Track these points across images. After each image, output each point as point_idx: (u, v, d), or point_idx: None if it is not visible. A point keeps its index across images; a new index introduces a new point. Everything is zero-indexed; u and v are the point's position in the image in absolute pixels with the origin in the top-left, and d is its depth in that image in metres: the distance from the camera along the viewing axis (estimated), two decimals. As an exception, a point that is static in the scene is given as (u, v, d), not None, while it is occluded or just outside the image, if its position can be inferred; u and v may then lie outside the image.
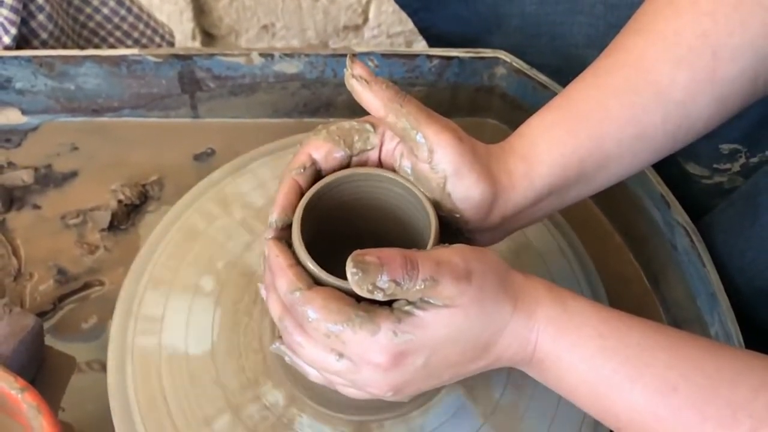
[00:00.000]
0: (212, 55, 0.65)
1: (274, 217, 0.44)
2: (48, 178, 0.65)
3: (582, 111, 0.46)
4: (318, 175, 0.46)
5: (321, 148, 0.46)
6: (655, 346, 0.40)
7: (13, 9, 0.66)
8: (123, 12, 0.77)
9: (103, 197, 0.64)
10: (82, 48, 0.76)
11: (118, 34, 0.78)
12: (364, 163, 0.47)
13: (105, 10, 0.77)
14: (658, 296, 0.62)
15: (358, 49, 0.66)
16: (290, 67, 0.66)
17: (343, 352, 0.40)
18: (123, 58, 0.65)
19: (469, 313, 0.40)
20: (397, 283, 0.38)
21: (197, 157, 0.68)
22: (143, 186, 0.65)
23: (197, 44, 1.34)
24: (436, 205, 0.45)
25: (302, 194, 0.45)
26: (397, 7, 0.77)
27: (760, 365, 0.40)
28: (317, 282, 0.42)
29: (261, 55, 0.66)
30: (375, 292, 0.38)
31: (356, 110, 0.47)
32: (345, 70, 0.43)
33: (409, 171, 0.45)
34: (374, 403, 0.47)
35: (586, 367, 0.41)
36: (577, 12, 0.66)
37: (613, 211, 0.66)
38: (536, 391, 0.51)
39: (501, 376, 0.51)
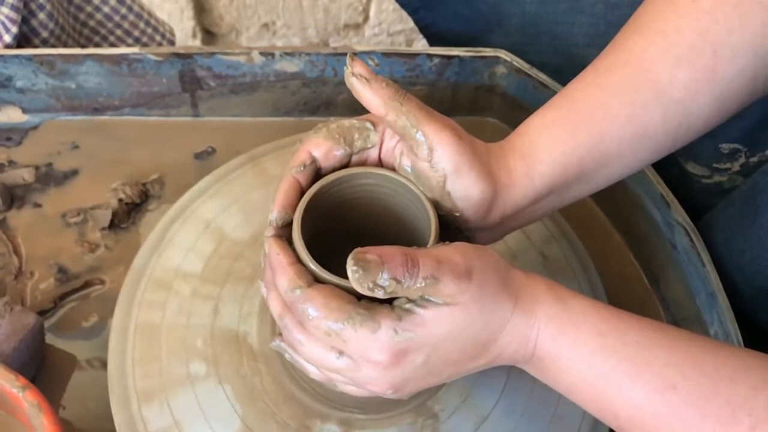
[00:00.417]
0: (213, 53, 0.65)
1: (275, 215, 0.45)
2: (49, 177, 0.65)
3: (582, 110, 0.46)
4: (318, 173, 0.46)
5: (321, 146, 0.46)
6: (655, 345, 0.40)
7: (14, 7, 0.66)
8: (124, 10, 0.77)
9: (104, 196, 0.64)
10: (82, 47, 0.76)
11: (118, 32, 0.78)
12: (363, 162, 0.47)
13: (106, 9, 0.77)
14: (658, 295, 0.62)
15: (359, 48, 0.66)
16: (291, 66, 0.66)
17: (344, 350, 0.41)
18: (124, 56, 0.65)
19: (470, 311, 0.40)
20: (398, 281, 0.38)
21: (198, 156, 0.68)
22: (144, 185, 0.65)
23: (198, 43, 1.34)
24: (436, 204, 0.45)
25: (302, 192, 0.45)
26: (397, 5, 0.77)
27: (759, 364, 0.40)
28: (317, 280, 0.42)
29: (261, 53, 0.66)
30: (375, 290, 0.38)
31: (357, 109, 0.47)
32: (345, 68, 0.43)
33: (408, 169, 0.45)
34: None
35: (585, 365, 0.41)
36: (578, 11, 0.66)
37: (612, 210, 0.66)
38: (535, 390, 0.51)
39: (501, 374, 0.52)
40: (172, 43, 0.84)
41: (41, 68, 0.65)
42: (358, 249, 0.39)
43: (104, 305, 0.58)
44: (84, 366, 0.56)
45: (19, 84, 0.66)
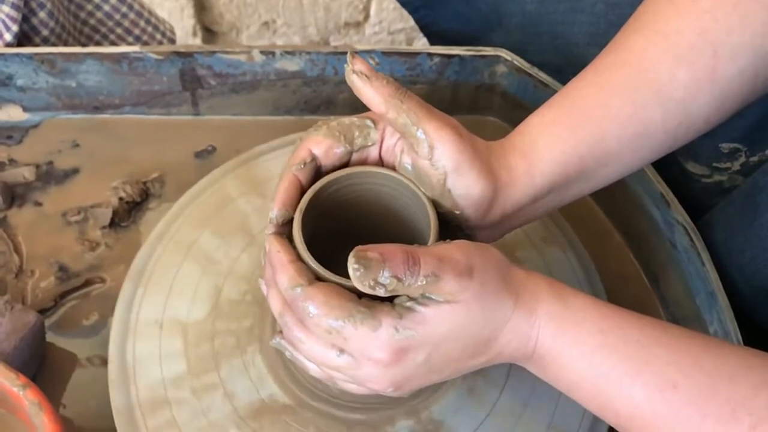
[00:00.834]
0: (213, 52, 0.65)
1: (275, 212, 0.44)
2: (49, 175, 0.66)
3: (582, 109, 0.46)
4: (318, 170, 0.46)
5: (321, 143, 0.46)
6: (655, 343, 0.40)
7: (14, 6, 0.66)
8: (124, 9, 0.77)
9: (104, 194, 0.64)
10: (83, 45, 0.76)
11: (119, 31, 0.78)
12: (364, 159, 0.47)
13: (106, 7, 0.77)
14: (658, 295, 0.62)
15: (359, 47, 0.66)
16: (291, 65, 0.66)
17: (344, 348, 0.41)
18: (124, 55, 0.65)
19: (471, 308, 0.40)
20: (399, 279, 0.38)
21: (198, 155, 0.68)
22: (144, 183, 0.65)
23: (198, 41, 1.34)
24: (436, 202, 0.45)
25: (302, 190, 0.45)
26: (398, 4, 0.77)
27: (759, 363, 0.40)
28: (318, 279, 0.42)
29: (262, 52, 0.66)
30: (376, 288, 0.38)
31: (357, 108, 0.47)
32: (345, 65, 0.43)
33: (409, 167, 0.45)
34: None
35: (586, 363, 0.41)
36: (578, 10, 0.66)
37: (612, 209, 0.66)
38: (536, 388, 0.51)
39: (501, 372, 0.52)
40: (172, 41, 0.84)
41: (42, 67, 0.65)
42: (359, 247, 0.39)
43: (105, 304, 0.58)
44: (84, 364, 0.56)
45: (19, 82, 0.66)
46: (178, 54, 0.65)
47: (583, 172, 0.46)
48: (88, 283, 0.60)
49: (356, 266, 0.38)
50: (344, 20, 1.35)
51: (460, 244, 0.41)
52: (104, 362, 0.54)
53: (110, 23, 0.77)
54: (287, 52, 0.66)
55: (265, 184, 0.60)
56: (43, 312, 0.57)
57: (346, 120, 0.46)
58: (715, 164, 0.64)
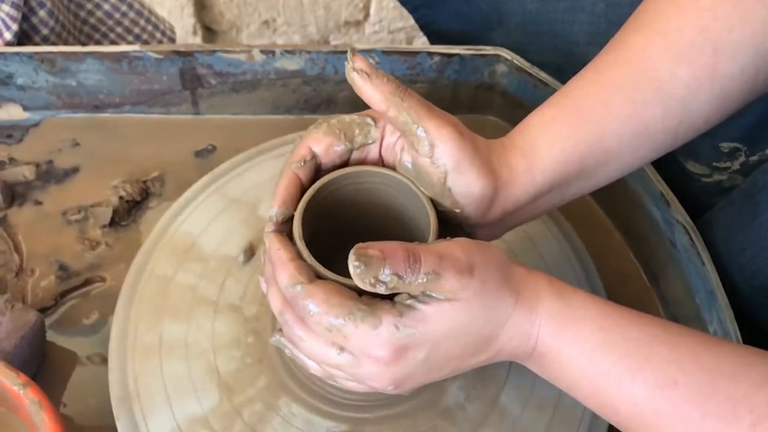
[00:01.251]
0: (213, 51, 0.65)
1: (275, 210, 0.44)
2: (49, 174, 0.66)
3: (582, 107, 0.46)
4: (318, 168, 0.46)
5: (321, 141, 0.46)
6: (656, 341, 0.40)
7: (14, 5, 0.66)
8: (124, 8, 0.77)
9: (105, 193, 0.64)
10: (83, 44, 0.76)
11: (119, 30, 0.78)
12: (364, 157, 0.47)
13: (106, 6, 0.77)
14: (658, 294, 0.62)
15: (359, 46, 0.66)
16: (291, 64, 0.66)
17: (344, 346, 0.41)
18: (124, 54, 0.65)
19: (471, 306, 0.40)
20: (400, 277, 0.38)
21: (198, 154, 0.68)
22: (144, 182, 0.65)
23: (198, 40, 1.34)
24: (437, 201, 0.45)
25: (302, 187, 0.45)
26: (398, 3, 0.77)
27: (760, 361, 0.40)
28: (318, 277, 0.42)
29: (262, 51, 0.66)
30: (377, 286, 0.38)
31: (357, 107, 0.47)
32: (346, 63, 0.43)
33: (409, 165, 0.45)
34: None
35: (586, 360, 0.41)
36: (578, 10, 0.66)
37: (612, 209, 0.66)
38: (536, 385, 0.51)
39: (502, 370, 0.52)
40: (172, 40, 0.84)
41: (42, 66, 0.65)
42: (360, 244, 0.39)
43: (105, 302, 0.58)
44: (84, 362, 0.56)
45: (19, 81, 0.66)
46: (178, 53, 0.65)
47: (583, 171, 0.46)
48: (88, 282, 0.60)
49: (357, 263, 0.38)
50: (344, 19, 1.35)
51: (461, 241, 0.41)
52: (104, 360, 0.54)
53: (110, 22, 0.77)
54: (287, 52, 0.66)
55: (264, 184, 0.60)
56: (43, 311, 0.57)
57: (347, 118, 0.46)
58: (715, 163, 0.64)
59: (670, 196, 0.59)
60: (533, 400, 0.51)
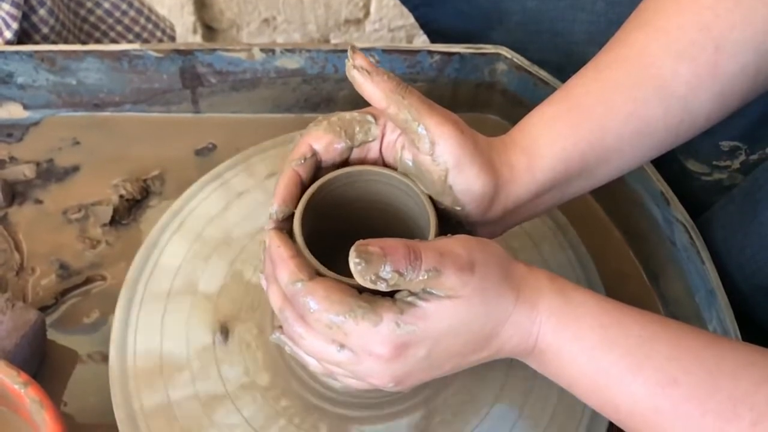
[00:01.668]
0: (213, 50, 0.65)
1: (275, 208, 0.44)
2: (50, 173, 0.66)
3: (583, 105, 0.46)
4: (318, 166, 0.46)
5: (322, 139, 0.45)
6: (656, 339, 0.40)
7: (14, 4, 0.66)
8: (124, 6, 0.77)
9: (105, 192, 0.64)
10: (83, 43, 0.76)
11: (119, 28, 0.78)
12: (365, 155, 0.47)
13: (106, 5, 0.77)
14: (657, 293, 0.62)
15: (359, 45, 0.66)
16: (291, 63, 0.66)
17: (345, 343, 0.41)
18: (124, 53, 0.65)
19: (472, 303, 0.40)
20: (400, 274, 0.38)
21: (198, 152, 0.68)
22: (144, 181, 0.65)
23: (198, 38, 1.34)
24: (438, 199, 0.45)
25: (302, 185, 0.45)
26: (398, 1, 0.77)
27: (760, 359, 0.40)
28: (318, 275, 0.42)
29: (262, 50, 0.66)
30: (378, 283, 0.38)
31: (357, 105, 0.47)
32: (346, 61, 0.43)
33: (410, 163, 0.45)
34: None
35: (587, 358, 0.41)
36: (578, 9, 0.66)
37: (612, 207, 0.66)
38: (537, 383, 0.51)
39: (502, 367, 0.52)
40: (172, 38, 0.84)
41: (42, 64, 0.65)
42: (361, 241, 0.39)
43: (105, 301, 0.58)
44: (85, 360, 0.56)
45: (20, 80, 0.66)
46: (179, 52, 0.65)
47: (584, 169, 0.46)
48: (88, 280, 0.60)
49: (357, 260, 0.38)
50: (344, 17, 1.34)
51: (462, 238, 0.41)
52: (105, 358, 0.54)
53: (110, 21, 0.77)
54: (287, 50, 0.66)
55: (264, 182, 0.61)
56: (43, 310, 0.58)
57: (347, 115, 0.46)
58: (715, 162, 0.64)
59: (670, 194, 0.59)
60: (533, 397, 0.51)
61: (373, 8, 1.34)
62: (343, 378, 0.44)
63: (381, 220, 0.49)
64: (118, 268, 0.60)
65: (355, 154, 0.46)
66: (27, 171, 0.65)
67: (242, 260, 0.57)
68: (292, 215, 0.44)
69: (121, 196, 0.63)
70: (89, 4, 0.76)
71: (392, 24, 1.37)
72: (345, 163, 0.47)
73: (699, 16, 0.46)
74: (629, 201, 0.63)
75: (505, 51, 0.67)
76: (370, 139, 0.46)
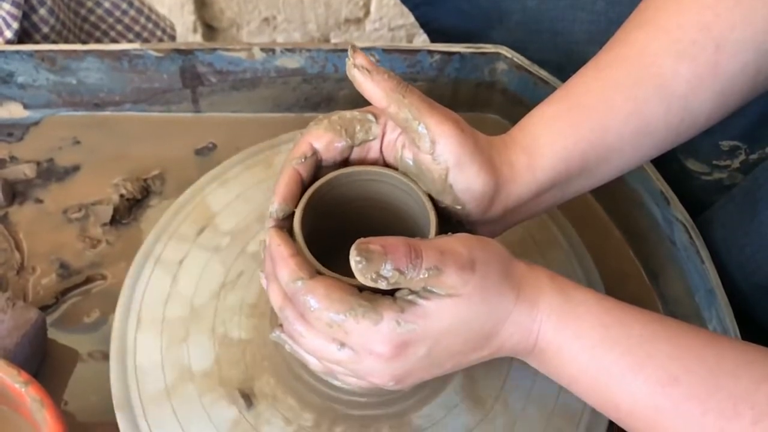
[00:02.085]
0: (214, 49, 0.65)
1: (275, 206, 0.44)
2: (50, 173, 0.66)
3: (584, 104, 0.46)
4: (319, 165, 0.46)
5: (322, 137, 0.45)
6: (657, 337, 0.40)
7: (14, 3, 0.66)
8: (124, 6, 0.77)
9: (105, 191, 0.64)
10: (83, 42, 0.76)
11: (119, 28, 0.78)
12: (365, 154, 0.47)
13: (106, 4, 0.77)
14: (657, 292, 0.62)
15: (360, 44, 0.66)
16: (291, 62, 0.66)
17: (345, 342, 0.41)
18: (125, 52, 0.65)
19: (473, 302, 0.40)
20: (401, 272, 0.38)
21: (199, 152, 0.68)
22: (145, 180, 0.65)
23: (198, 37, 1.34)
24: (438, 198, 0.45)
25: (303, 184, 0.45)
26: (398, 0, 0.77)
27: (761, 357, 0.40)
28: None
29: (262, 50, 0.66)
30: (378, 281, 0.38)
31: (357, 105, 0.47)
32: (347, 59, 0.43)
33: (410, 162, 0.45)
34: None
35: (587, 357, 0.41)
36: (579, 8, 0.66)
37: (612, 207, 0.66)
38: (537, 381, 0.51)
39: (502, 365, 0.52)
40: (172, 38, 0.84)
41: (42, 64, 0.65)
42: (361, 239, 0.39)
43: (106, 300, 0.58)
44: (85, 359, 0.56)
45: (20, 80, 0.66)
46: (179, 51, 0.65)
47: (584, 168, 0.46)
48: (89, 280, 0.60)
49: (358, 258, 0.38)
50: (345, 16, 1.34)
51: (462, 237, 0.41)
52: (105, 356, 0.54)
53: (110, 20, 0.77)
54: (287, 50, 0.66)
55: (266, 181, 0.61)
56: (44, 309, 0.58)
57: (348, 114, 0.46)
58: (714, 162, 0.64)
59: (670, 194, 0.60)
60: (533, 396, 0.51)
61: (373, 7, 1.35)
62: (344, 377, 0.44)
63: (381, 220, 0.49)
64: (119, 268, 0.60)
65: (356, 153, 0.46)
66: (27, 170, 0.65)
67: (246, 256, 0.56)
68: (292, 214, 0.44)
69: (121, 196, 0.63)
70: (90, 4, 0.76)
71: (392, 23, 1.37)
72: (345, 161, 0.47)
73: (699, 16, 0.46)
74: (629, 200, 0.63)
75: (505, 50, 0.67)
76: (371, 138, 0.46)
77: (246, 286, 0.55)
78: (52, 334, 0.56)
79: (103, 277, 0.60)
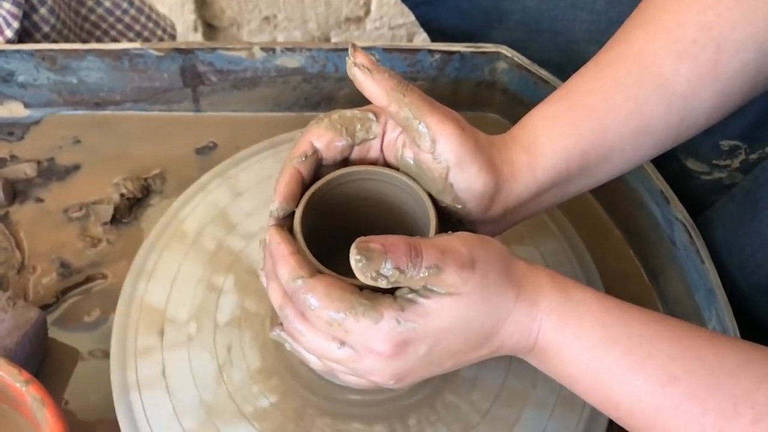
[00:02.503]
0: (214, 49, 0.65)
1: (275, 205, 0.44)
2: (51, 172, 0.66)
3: (584, 103, 0.46)
4: (319, 163, 0.46)
5: (323, 136, 0.45)
6: (658, 337, 0.40)
7: (15, 2, 0.66)
8: (125, 5, 0.78)
9: (106, 191, 0.64)
10: (84, 41, 0.76)
11: (119, 27, 0.78)
12: (365, 153, 0.47)
13: (107, 3, 0.77)
14: (657, 292, 0.62)
15: (360, 44, 0.66)
16: (292, 62, 0.66)
17: (345, 341, 0.40)
18: (125, 51, 0.65)
19: (473, 301, 0.40)
20: (401, 271, 0.38)
21: (199, 151, 0.68)
22: (145, 179, 0.65)
23: (199, 36, 1.34)
24: (439, 197, 0.45)
25: (303, 182, 0.45)
26: (398, -1, 0.77)
27: (761, 357, 0.40)
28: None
29: (263, 49, 0.66)
30: (378, 280, 0.38)
31: (358, 104, 0.47)
32: (347, 58, 0.43)
33: (411, 161, 0.45)
34: None
35: (587, 356, 0.41)
36: (579, 8, 0.66)
37: (612, 206, 0.66)
38: (537, 380, 0.51)
39: (502, 365, 0.52)
40: (173, 37, 0.84)
41: (43, 63, 0.65)
42: (361, 238, 0.39)
43: (106, 300, 0.58)
44: (86, 357, 0.56)
45: (20, 79, 0.66)
46: (179, 51, 0.65)
47: (585, 167, 0.46)
48: (89, 279, 0.60)
49: (358, 257, 0.38)
50: (345, 15, 1.34)
51: (463, 236, 0.41)
52: (106, 355, 0.54)
53: (111, 19, 0.77)
54: (288, 49, 0.66)
55: (265, 181, 0.61)
56: (45, 308, 0.58)
57: (348, 113, 0.46)
58: (714, 161, 0.64)
59: (670, 193, 0.60)
60: (534, 394, 0.51)
61: (373, 6, 1.35)
62: (343, 375, 0.44)
63: (381, 219, 0.49)
64: (119, 267, 0.60)
65: (356, 152, 0.46)
66: (28, 170, 0.65)
67: (247, 255, 0.57)
68: (293, 213, 0.44)
69: (121, 195, 0.64)
70: (90, 3, 0.76)
71: (393, 22, 1.37)
72: (346, 160, 0.47)
73: (700, 15, 0.46)
74: (629, 200, 0.63)
75: (505, 50, 0.67)
76: (371, 137, 0.46)
77: (242, 358, 0.52)
78: (53, 333, 0.56)
79: (104, 277, 0.60)
